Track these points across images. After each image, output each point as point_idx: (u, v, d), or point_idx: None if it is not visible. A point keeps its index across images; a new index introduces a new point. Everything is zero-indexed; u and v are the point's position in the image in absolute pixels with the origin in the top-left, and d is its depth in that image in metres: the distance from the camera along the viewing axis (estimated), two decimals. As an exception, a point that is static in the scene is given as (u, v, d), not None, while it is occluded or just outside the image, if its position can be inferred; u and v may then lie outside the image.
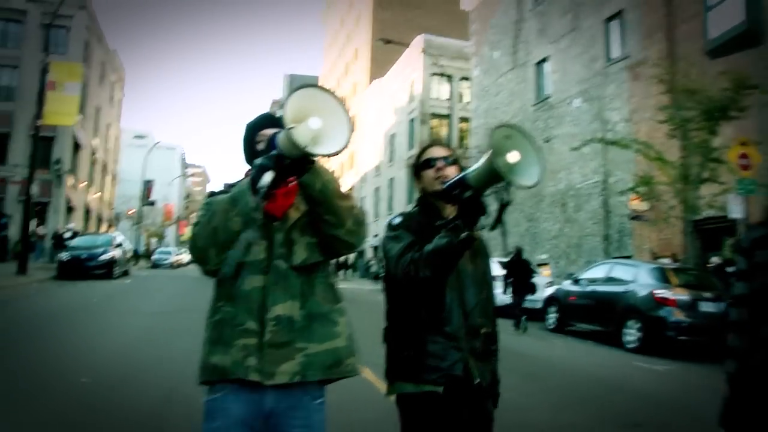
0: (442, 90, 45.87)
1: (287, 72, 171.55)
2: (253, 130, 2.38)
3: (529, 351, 10.85)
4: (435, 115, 44.85)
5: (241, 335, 2.12)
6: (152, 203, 58.52)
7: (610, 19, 23.83)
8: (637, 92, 21.73)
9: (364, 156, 57.87)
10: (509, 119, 29.01)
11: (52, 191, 36.11)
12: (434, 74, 45.34)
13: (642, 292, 11.77)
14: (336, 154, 1.96)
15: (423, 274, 2.21)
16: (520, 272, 15.04)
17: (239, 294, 2.16)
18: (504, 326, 13.49)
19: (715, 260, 17.47)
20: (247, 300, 2.15)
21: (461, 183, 2.15)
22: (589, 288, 13.28)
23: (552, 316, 14.44)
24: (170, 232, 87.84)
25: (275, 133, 2.07)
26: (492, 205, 2.21)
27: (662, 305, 11.19)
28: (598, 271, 13.67)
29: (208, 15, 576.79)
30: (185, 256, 68.85)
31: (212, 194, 2.35)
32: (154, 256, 50.05)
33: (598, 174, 23.36)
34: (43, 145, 37.25)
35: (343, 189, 2.19)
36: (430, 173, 2.47)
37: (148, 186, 54.91)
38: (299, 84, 2.00)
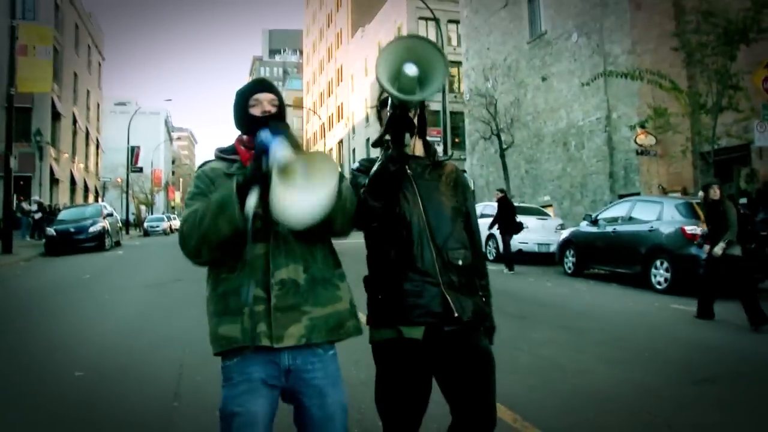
0: (429, 34, 44.47)
1: (266, 27, 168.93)
2: (243, 94, 2.34)
3: (556, 299, 10.16)
4: (423, 60, 43.52)
5: (248, 303, 2.12)
6: (140, 170, 57.19)
7: (606, -55, 22.65)
8: (639, 23, 20.73)
9: (353, 107, 56.58)
10: (503, 59, 28.08)
11: (34, 164, 34.95)
12: (420, 18, 43.95)
13: (669, 230, 11.04)
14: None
15: (370, 207, 2.23)
16: (506, 214, 14.88)
17: (242, 263, 2.15)
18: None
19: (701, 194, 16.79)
20: (251, 268, 2.15)
21: (382, 103, 2.23)
22: (610, 228, 12.55)
23: (569, 260, 13.74)
24: (160, 199, 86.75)
25: (260, 132, 2.05)
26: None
27: (693, 242, 10.46)
28: (617, 210, 12.90)
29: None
30: (176, 222, 68.18)
31: (204, 164, 2.37)
32: (146, 224, 49.20)
33: (600, 110, 22.50)
34: (21, 117, 36.03)
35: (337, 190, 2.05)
36: (384, 112, 2.43)
37: (134, 152, 53.57)
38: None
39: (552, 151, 25.34)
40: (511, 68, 26.84)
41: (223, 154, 2.36)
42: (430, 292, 2.28)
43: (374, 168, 2.23)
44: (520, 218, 16.54)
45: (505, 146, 24.19)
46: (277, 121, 2.19)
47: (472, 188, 32.39)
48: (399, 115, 2.10)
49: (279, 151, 1.97)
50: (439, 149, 29.68)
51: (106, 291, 10.74)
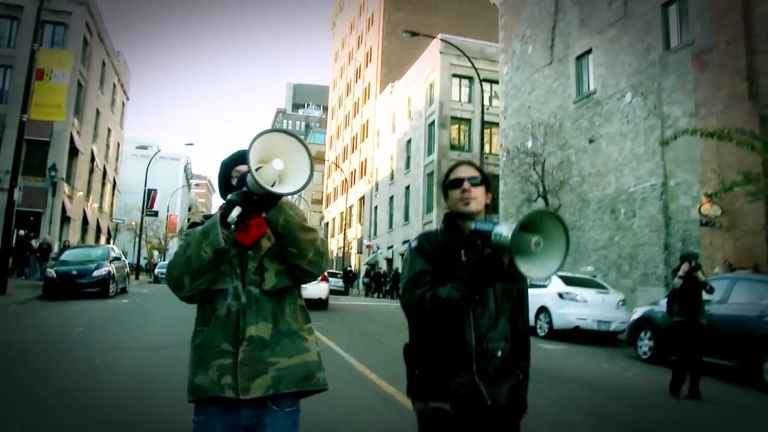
0: (462, 92, 43.30)
1: (291, 81, 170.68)
2: (227, 166, 2.54)
3: (653, 398, 8.10)
4: (455, 119, 42.23)
5: (217, 356, 2.29)
6: (155, 213, 55.67)
7: (667, 4, 21.24)
8: (704, 83, 19.08)
9: (376, 163, 55.21)
10: (546, 118, 26.46)
11: (46, 200, 33.51)
12: (454, 75, 42.84)
13: (787, 318, 9.03)
14: (297, 192, 2.15)
15: (428, 316, 2.28)
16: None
17: (216, 318, 2.34)
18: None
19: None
20: (222, 323, 2.32)
21: (486, 237, 2.13)
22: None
23: (645, 343, 11.69)
24: (173, 245, 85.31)
25: (246, 173, 2.22)
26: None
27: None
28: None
29: (213, 24, 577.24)
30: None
31: (193, 225, 2.53)
32: (157, 270, 47.44)
33: (655, 176, 20.68)
34: (37, 151, 34.98)
35: (307, 223, 2.34)
36: (456, 193, 2.44)
37: (151, 195, 52.22)
38: (261, 132, 2.12)
39: (598, 218, 23.46)
40: (553, 128, 25.16)
41: (208, 219, 2.42)
42: (459, 379, 2.31)
43: (449, 293, 2.22)
44: (575, 291, 14.64)
45: (552, 210, 22.30)
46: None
47: (505, 253, 30.50)
48: (494, 257, 2.12)
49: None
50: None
51: (98, 352, 8.81)
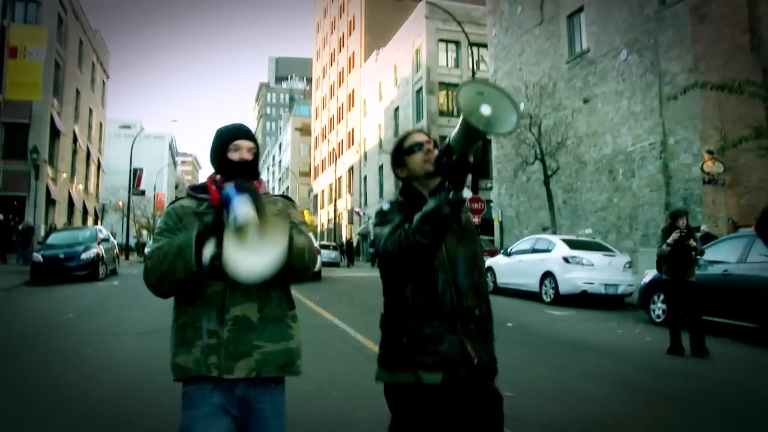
0: (449, 57, 42.50)
1: (273, 54, 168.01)
2: (225, 137, 2.45)
3: (682, 366, 7.69)
4: (443, 85, 41.48)
5: (201, 336, 2.27)
6: (142, 193, 54.71)
7: (661, -45, 20.56)
8: (703, 37, 18.51)
9: (364, 133, 54.47)
10: (538, 80, 25.83)
11: (29, 184, 32.65)
12: (440, 40, 41.99)
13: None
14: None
15: (413, 239, 2.21)
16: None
17: (200, 299, 2.30)
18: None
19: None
20: (207, 304, 2.29)
21: (446, 149, 2.18)
22: (718, 270, 10.07)
23: (658, 306, 11.26)
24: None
25: (226, 186, 2.23)
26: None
27: None
28: (727, 248, 10.43)
29: (192, 0, 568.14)
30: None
31: (175, 201, 2.50)
32: (147, 250, 46.73)
33: (654, 135, 20.20)
34: (17, 134, 34.05)
35: (297, 240, 2.28)
36: (418, 156, 2.48)
37: (137, 175, 51.30)
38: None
39: (595, 179, 23.01)
40: (546, 90, 24.54)
41: (195, 192, 2.47)
42: (449, 340, 2.33)
43: (426, 206, 2.22)
44: (581, 254, 14.23)
45: (549, 172, 21.78)
46: (244, 180, 2.29)
47: (500, 219, 30.14)
48: (460, 159, 2.14)
49: (238, 209, 2.14)
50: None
51: (88, 340, 8.29)
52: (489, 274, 17.29)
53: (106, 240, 20.74)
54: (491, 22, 32.30)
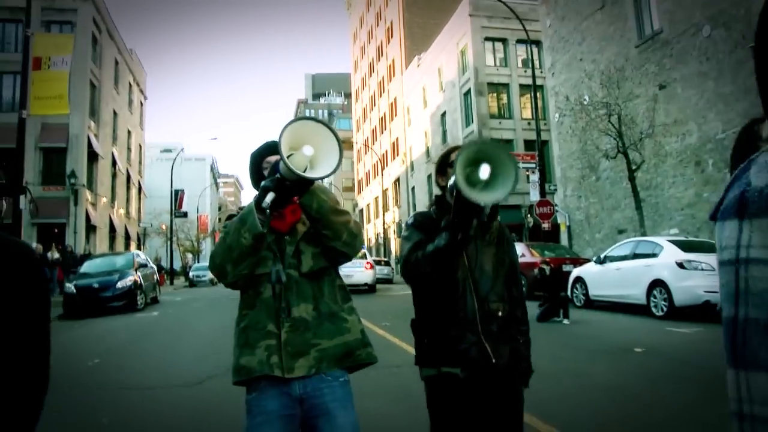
0: (496, 57, 40.30)
1: (309, 71, 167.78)
2: (257, 157, 2.64)
3: None
4: (492, 85, 39.28)
5: (263, 337, 2.37)
6: (184, 214, 53.47)
7: None
8: (807, 1, 16.03)
9: (409, 142, 52.47)
10: (604, 68, 23.42)
11: (68, 209, 31.47)
12: (487, 39, 39.78)
13: None
14: (327, 176, 2.24)
15: (424, 271, 2.46)
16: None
17: (260, 301, 2.43)
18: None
19: None
20: (267, 306, 2.40)
21: (451, 189, 2.36)
22: None
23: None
24: (206, 246, 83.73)
25: (278, 161, 2.28)
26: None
27: None
28: None
29: (226, 20, 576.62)
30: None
31: (230, 217, 2.60)
32: (191, 274, 45.44)
33: (750, 117, 17.64)
34: (54, 158, 32.98)
35: (339, 206, 2.44)
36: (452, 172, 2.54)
37: (178, 196, 50.13)
38: (291, 120, 2.22)
39: (679, 173, 20.55)
40: (612, 79, 22.12)
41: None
42: (469, 340, 2.48)
43: (437, 242, 2.42)
44: (698, 258, 11.92)
45: (633, 166, 19.43)
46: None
47: (567, 224, 27.76)
48: (470, 204, 2.25)
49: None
50: (534, 177, 25.26)
51: (108, 400, 6.36)
52: (578, 286, 15.04)
53: (144, 266, 19.07)
54: (544, 12, 30.06)
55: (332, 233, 2.38)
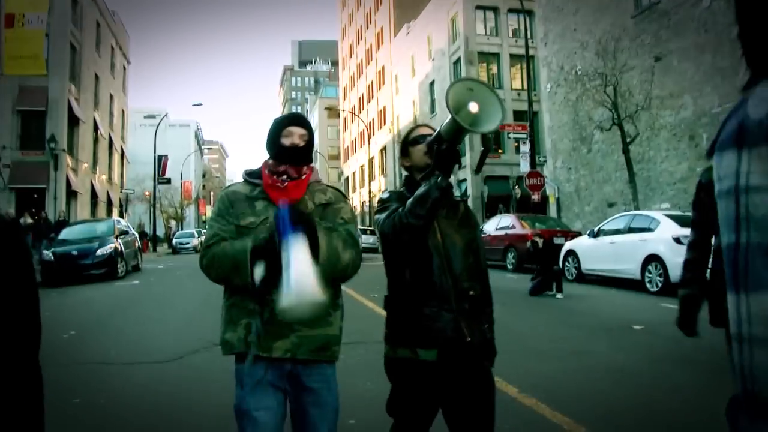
0: (487, 26, 39.64)
1: (296, 38, 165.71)
2: (278, 124, 2.59)
3: None
4: (482, 54, 38.68)
5: (245, 315, 2.40)
6: (167, 180, 52.67)
7: None
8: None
9: (397, 110, 51.85)
10: (598, 38, 23.01)
11: (48, 175, 30.73)
12: (478, 7, 39.08)
13: None
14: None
15: (406, 221, 2.39)
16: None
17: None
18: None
19: None
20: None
21: (437, 138, 2.39)
22: None
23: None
24: (190, 213, 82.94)
25: (279, 212, 2.30)
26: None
27: None
28: None
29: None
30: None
31: (229, 186, 2.68)
32: (174, 241, 44.89)
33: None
34: (33, 122, 32.07)
35: (341, 253, 2.47)
36: (419, 149, 2.62)
37: (162, 162, 49.31)
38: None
39: (672, 146, 20.26)
40: (607, 49, 21.65)
41: (249, 177, 2.61)
42: (445, 318, 2.48)
43: (419, 191, 2.40)
44: (688, 231, 11.55)
45: (628, 139, 19.08)
46: (299, 210, 2.37)
47: (557, 196, 27.46)
48: (449, 149, 2.36)
49: (293, 267, 2.22)
50: (525, 147, 24.86)
51: (83, 376, 5.98)
52: (570, 259, 14.76)
53: (125, 233, 18.55)
54: (538, -20, 29.41)
55: (330, 281, 2.43)
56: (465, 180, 33.96)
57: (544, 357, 6.64)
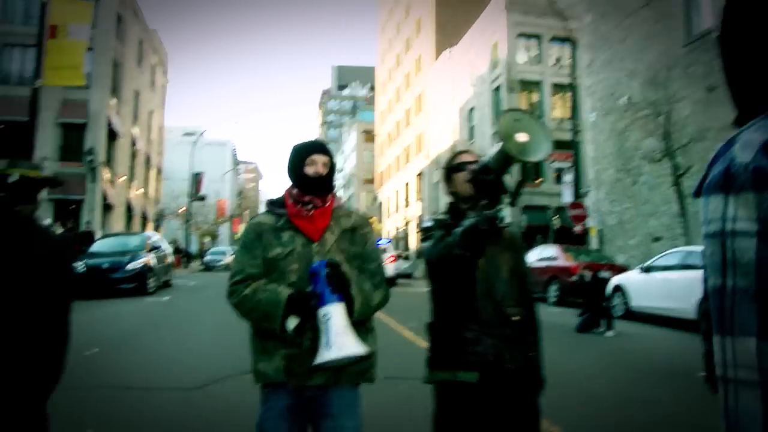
0: (530, 54, 39.16)
1: (335, 63, 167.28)
2: (301, 152, 2.60)
3: None
4: (524, 83, 38.15)
5: (283, 346, 2.41)
6: (202, 198, 52.68)
7: None
8: None
9: (434, 136, 51.44)
10: (646, 68, 22.33)
11: (85, 187, 30.86)
12: (520, 35, 38.63)
13: None
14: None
15: (455, 252, 2.39)
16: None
17: None
18: None
19: None
20: None
21: (484, 168, 2.41)
22: None
23: None
24: (224, 231, 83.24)
25: (316, 269, 2.36)
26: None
27: None
28: None
29: (253, 7, 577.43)
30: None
31: (254, 217, 2.69)
32: (207, 258, 44.77)
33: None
34: (72, 134, 32.31)
35: (373, 305, 2.56)
36: (461, 176, 2.64)
37: (197, 178, 49.44)
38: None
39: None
40: (659, 78, 20.95)
41: (273, 207, 2.62)
42: (486, 342, 2.48)
43: (467, 223, 2.38)
44: None
45: (680, 171, 18.32)
46: (335, 267, 2.39)
47: (599, 228, 26.61)
48: (496, 181, 2.38)
49: (333, 313, 2.31)
50: (568, 177, 24.21)
51: (99, 399, 5.50)
52: (619, 295, 14.01)
53: (157, 248, 18.26)
54: (584, 8, 28.85)
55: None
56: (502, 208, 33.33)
57: (602, 402, 6.00)
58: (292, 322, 2.32)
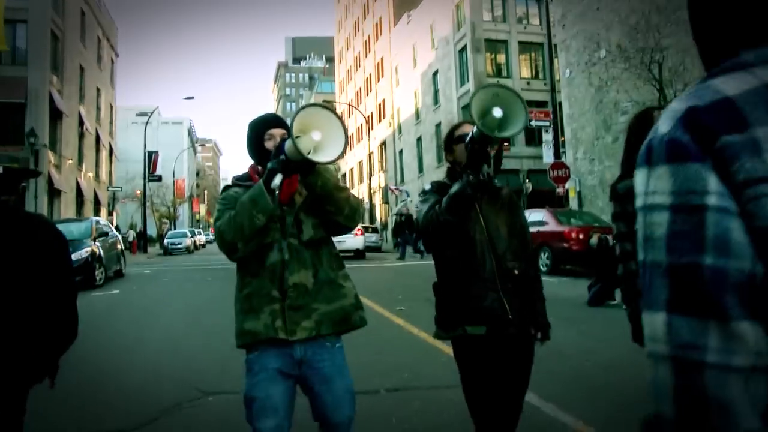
0: (494, 12, 37.60)
1: (290, 34, 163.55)
2: (257, 127, 2.69)
3: None
4: (490, 42, 36.64)
5: (268, 302, 2.48)
6: (158, 178, 50.05)
7: None
8: None
9: (397, 103, 49.82)
10: (624, 17, 20.99)
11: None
12: (484, -7, 37.04)
13: None
14: (332, 162, 2.37)
15: (443, 218, 2.57)
16: None
17: (263, 269, 2.51)
18: None
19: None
20: (270, 273, 2.50)
21: (471, 140, 2.55)
22: None
23: None
24: (183, 212, 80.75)
25: (283, 139, 2.45)
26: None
27: None
28: None
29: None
30: (202, 236, 61.69)
31: (226, 188, 2.74)
32: (166, 241, 42.74)
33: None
34: (12, 115, 29.87)
35: (340, 183, 2.61)
36: (461, 147, 2.73)
37: (152, 158, 47.02)
38: (303, 105, 2.36)
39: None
40: (649, 23, 19.60)
41: (240, 181, 2.72)
42: (491, 297, 2.61)
43: (452, 189, 2.58)
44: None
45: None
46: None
47: (578, 189, 25.45)
48: (479, 150, 2.53)
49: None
50: (548, 136, 22.94)
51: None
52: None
53: (105, 234, 16.39)
54: (553, -42, 27.35)
55: (335, 209, 2.54)
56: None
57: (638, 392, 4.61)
58: (276, 180, 2.37)
